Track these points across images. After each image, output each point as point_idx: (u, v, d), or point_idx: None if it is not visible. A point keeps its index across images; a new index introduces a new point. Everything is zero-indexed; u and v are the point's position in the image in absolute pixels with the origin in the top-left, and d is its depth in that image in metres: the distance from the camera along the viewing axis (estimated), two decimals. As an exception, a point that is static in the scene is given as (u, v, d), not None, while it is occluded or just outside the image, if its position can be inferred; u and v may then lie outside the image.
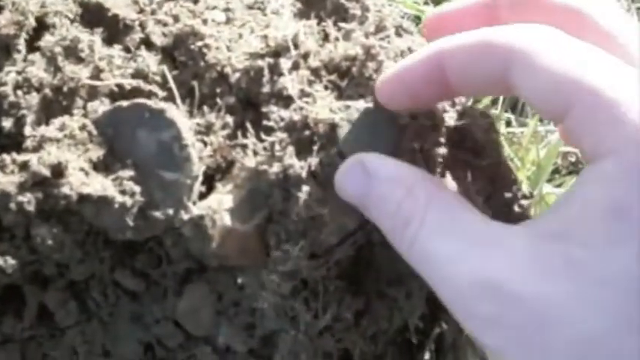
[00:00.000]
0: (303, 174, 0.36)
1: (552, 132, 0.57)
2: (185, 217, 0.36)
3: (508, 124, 0.60)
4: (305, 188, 0.35)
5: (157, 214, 0.36)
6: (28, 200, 0.35)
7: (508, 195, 0.40)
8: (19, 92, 0.39)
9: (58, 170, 0.35)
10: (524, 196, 0.41)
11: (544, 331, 0.25)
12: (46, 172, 0.35)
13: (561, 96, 0.27)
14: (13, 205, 0.35)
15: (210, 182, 0.38)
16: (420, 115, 0.37)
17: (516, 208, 0.40)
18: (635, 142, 0.24)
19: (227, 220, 0.36)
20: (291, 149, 0.36)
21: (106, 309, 0.39)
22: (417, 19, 0.66)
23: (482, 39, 0.30)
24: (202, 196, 0.37)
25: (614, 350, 0.24)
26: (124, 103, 0.37)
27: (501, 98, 0.59)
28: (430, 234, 0.29)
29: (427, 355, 0.45)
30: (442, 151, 0.38)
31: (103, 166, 0.37)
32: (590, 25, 0.32)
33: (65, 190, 0.35)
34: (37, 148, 0.37)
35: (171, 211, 0.36)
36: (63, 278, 0.38)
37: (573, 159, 0.62)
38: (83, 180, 0.36)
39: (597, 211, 0.25)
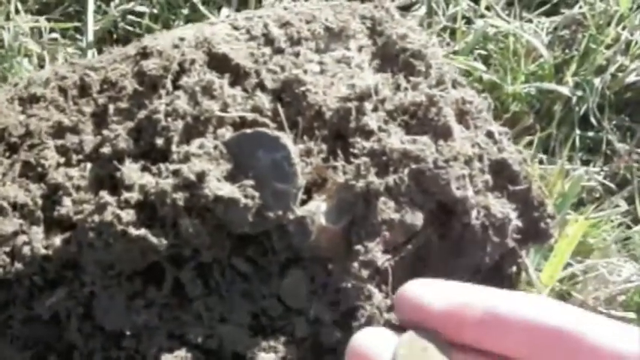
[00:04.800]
0: (381, 189, 0.47)
1: (576, 169, 0.69)
2: (291, 216, 0.48)
3: (540, 162, 0.71)
4: (382, 199, 0.47)
5: (270, 214, 0.48)
6: (180, 197, 0.47)
7: (536, 214, 0.51)
8: (169, 119, 0.52)
9: (201, 177, 0.48)
10: (549, 216, 0.52)
11: None
12: (193, 178, 0.48)
13: None
14: (168, 201, 0.47)
15: (308, 194, 0.50)
16: None
17: (542, 225, 0.52)
18: None
19: (322, 220, 0.48)
20: (373, 170, 0.48)
21: (224, 286, 0.51)
22: (467, 73, 0.78)
23: None
24: (302, 203, 0.50)
25: None
26: (248, 130, 0.50)
27: (535, 140, 0.70)
28: None
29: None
30: None
31: (230, 177, 0.49)
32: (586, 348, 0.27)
33: (205, 191, 0.47)
34: (182, 161, 0.49)
35: (280, 212, 0.48)
36: (194, 260, 0.50)
37: (597, 195, 0.73)
38: (218, 185, 0.48)
39: None
